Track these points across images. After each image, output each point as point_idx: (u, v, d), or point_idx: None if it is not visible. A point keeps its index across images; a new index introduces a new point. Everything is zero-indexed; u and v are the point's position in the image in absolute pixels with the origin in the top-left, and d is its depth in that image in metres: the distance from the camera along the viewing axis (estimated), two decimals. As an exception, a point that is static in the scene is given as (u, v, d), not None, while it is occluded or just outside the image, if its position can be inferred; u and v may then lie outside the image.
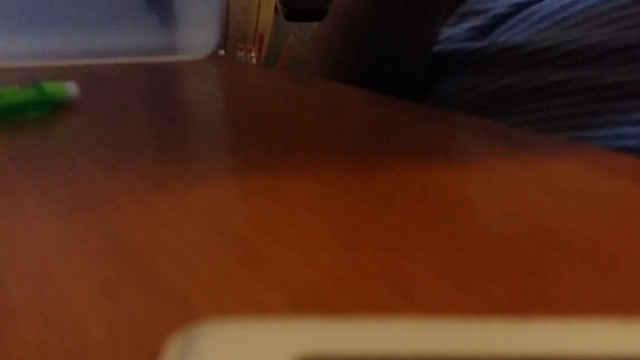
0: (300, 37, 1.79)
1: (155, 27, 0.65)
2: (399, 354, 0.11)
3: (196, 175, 0.25)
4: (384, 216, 0.20)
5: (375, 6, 0.62)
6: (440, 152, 0.28)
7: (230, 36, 1.86)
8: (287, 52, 1.78)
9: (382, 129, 0.33)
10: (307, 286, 0.16)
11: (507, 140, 0.29)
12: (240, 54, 1.75)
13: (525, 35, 0.59)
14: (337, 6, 0.66)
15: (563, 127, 0.51)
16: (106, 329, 0.14)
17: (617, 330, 0.11)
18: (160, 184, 0.24)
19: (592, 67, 0.52)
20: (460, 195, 0.22)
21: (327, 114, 0.37)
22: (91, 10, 0.62)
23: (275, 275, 0.16)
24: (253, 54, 1.73)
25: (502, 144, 0.29)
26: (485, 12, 0.64)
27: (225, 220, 0.20)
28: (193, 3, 0.66)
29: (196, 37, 0.67)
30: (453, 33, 0.66)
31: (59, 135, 0.33)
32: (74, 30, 0.62)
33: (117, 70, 0.59)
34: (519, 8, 0.62)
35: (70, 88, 0.41)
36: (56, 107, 0.40)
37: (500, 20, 0.63)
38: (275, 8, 1.83)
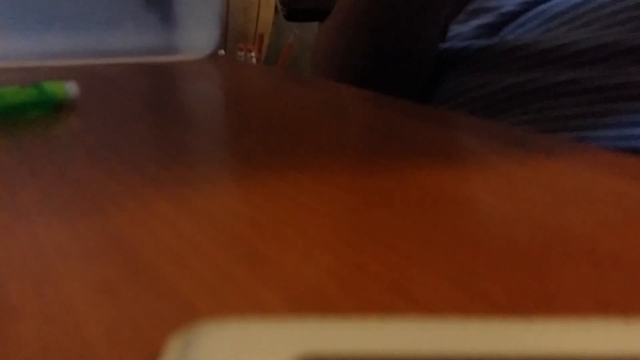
0: (300, 37, 1.79)
1: (155, 27, 0.65)
2: (399, 354, 0.11)
3: (196, 175, 0.25)
4: (384, 216, 0.20)
5: (380, 1, 0.62)
6: (440, 152, 0.28)
7: (230, 36, 1.86)
8: (287, 52, 1.78)
9: (382, 129, 0.33)
10: (307, 286, 0.16)
11: (508, 140, 0.29)
12: (240, 54, 1.75)
13: (534, 34, 0.59)
14: (343, 2, 0.66)
15: (570, 127, 0.51)
16: (106, 329, 0.14)
17: (617, 330, 0.11)
18: (160, 184, 0.24)
19: (601, 68, 0.52)
20: (460, 196, 0.22)
21: (327, 113, 0.37)
22: (91, 10, 0.62)
23: (275, 275, 0.16)
24: (253, 54, 1.73)
25: (503, 144, 0.29)
26: (494, 9, 0.64)
27: (225, 220, 0.20)
28: (193, 3, 0.66)
29: (196, 37, 0.67)
30: (462, 30, 0.66)
31: (59, 135, 0.33)
32: (74, 30, 0.62)
33: (117, 70, 0.59)
34: (529, 6, 0.62)
35: (70, 88, 0.41)
36: (56, 107, 0.40)
37: (509, 18, 0.63)
38: (275, 8, 1.83)
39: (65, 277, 0.16)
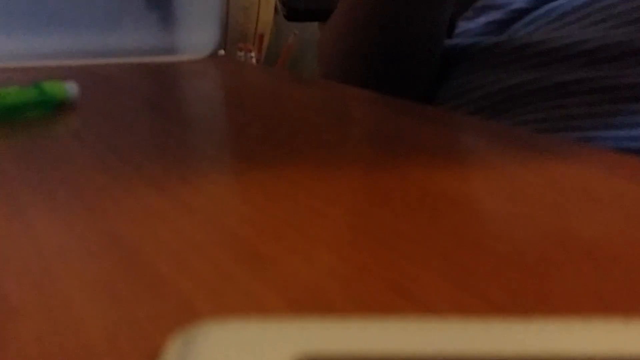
0: (300, 37, 1.79)
1: (155, 27, 0.65)
2: (399, 354, 0.11)
3: (196, 175, 0.25)
4: (385, 216, 0.20)
5: None
6: (440, 152, 0.28)
7: (230, 36, 1.86)
8: (287, 52, 1.78)
9: (382, 128, 0.33)
10: (307, 286, 0.16)
11: (508, 140, 0.29)
12: (240, 54, 1.75)
13: (543, 32, 0.59)
14: (348, 0, 0.66)
15: (578, 127, 0.51)
16: (106, 329, 0.14)
17: (617, 330, 0.11)
18: (160, 183, 0.24)
19: (610, 67, 0.52)
20: (460, 196, 0.22)
21: (327, 113, 0.37)
22: (91, 10, 0.62)
23: (275, 275, 0.16)
24: (253, 54, 1.73)
25: (503, 144, 0.29)
26: (504, 6, 0.64)
27: (225, 220, 0.20)
28: (193, 3, 0.66)
29: (196, 37, 0.67)
30: (470, 27, 0.66)
31: (59, 135, 0.33)
32: (74, 30, 0.62)
33: (117, 70, 0.59)
34: (539, 3, 0.61)
35: (70, 88, 0.41)
36: (56, 107, 0.40)
37: (519, 15, 0.63)
38: (275, 8, 1.83)
39: (65, 277, 0.16)
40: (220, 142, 0.31)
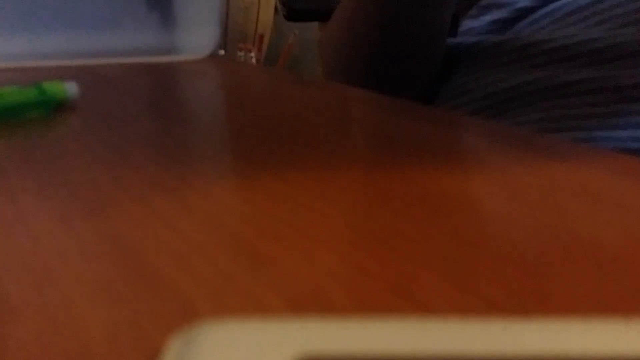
0: (300, 37, 1.79)
1: (155, 27, 0.65)
2: (399, 354, 0.11)
3: (196, 175, 0.25)
4: (385, 216, 0.20)
5: None
6: (440, 152, 0.28)
7: (230, 36, 1.86)
8: (287, 52, 1.78)
9: (382, 128, 0.33)
10: (308, 286, 0.16)
11: (509, 140, 0.29)
12: (240, 54, 1.75)
13: (547, 31, 0.58)
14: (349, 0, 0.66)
15: (581, 127, 0.51)
16: (106, 329, 0.14)
17: (617, 330, 0.11)
18: (160, 184, 0.24)
19: (614, 67, 0.52)
20: (460, 196, 0.22)
21: (327, 114, 0.37)
22: (91, 10, 0.62)
23: (275, 275, 0.16)
24: (253, 54, 1.73)
25: (503, 144, 0.29)
26: (508, 5, 0.64)
27: (225, 220, 0.20)
28: (193, 3, 0.66)
29: (196, 37, 0.67)
30: (473, 26, 0.66)
31: (59, 136, 0.33)
32: (74, 30, 0.62)
33: (117, 70, 0.59)
34: (543, 2, 0.61)
35: (70, 88, 0.41)
36: (56, 107, 0.40)
37: (523, 14, 0.62)
38: (275, 8, 1.83)
39: (65, 277, 0.16)
40: (220, 142, 0.31)
